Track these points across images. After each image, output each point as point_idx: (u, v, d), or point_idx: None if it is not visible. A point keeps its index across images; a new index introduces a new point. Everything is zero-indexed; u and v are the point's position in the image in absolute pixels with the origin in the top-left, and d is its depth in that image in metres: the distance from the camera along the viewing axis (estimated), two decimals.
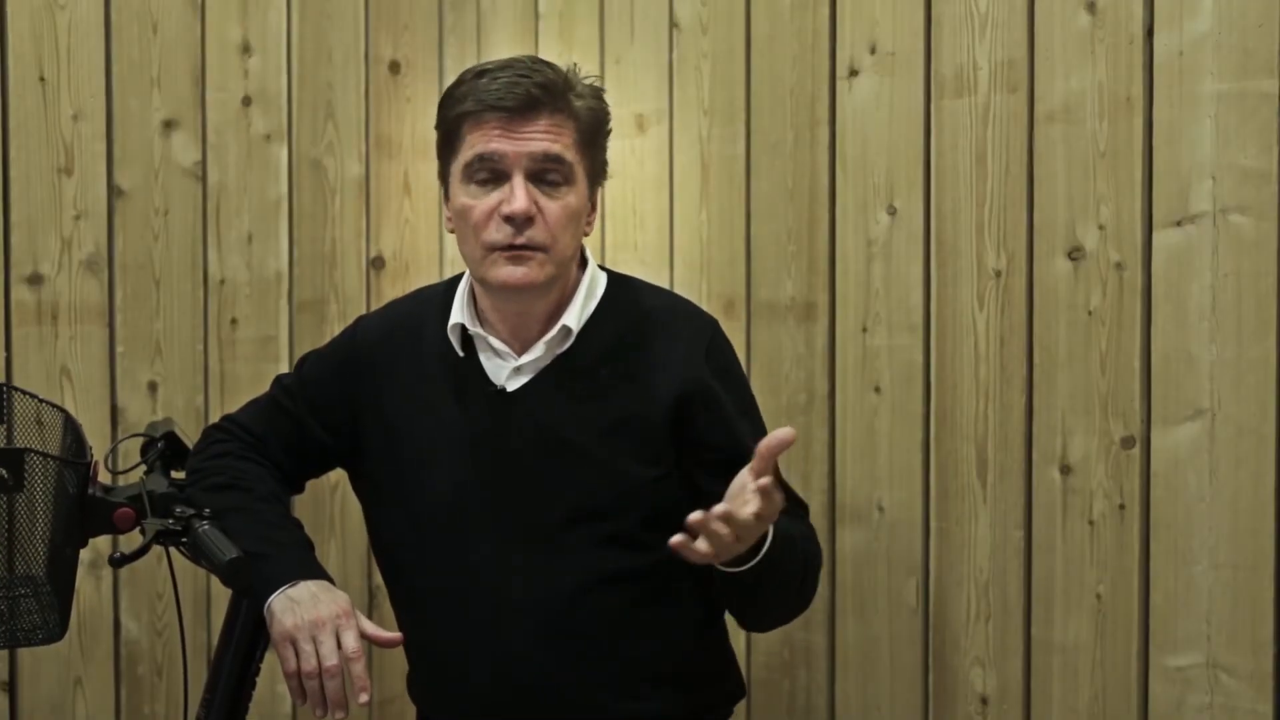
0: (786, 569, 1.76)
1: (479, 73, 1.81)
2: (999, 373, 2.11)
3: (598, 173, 1.87)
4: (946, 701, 2.19)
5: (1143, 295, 1.96)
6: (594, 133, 1.84)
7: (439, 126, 1.86)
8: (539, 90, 1.78)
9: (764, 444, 1.57)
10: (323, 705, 1.69)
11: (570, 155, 1.80)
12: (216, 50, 2.65)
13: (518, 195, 1.77)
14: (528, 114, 1.77)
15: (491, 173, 1.79)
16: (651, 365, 1.84)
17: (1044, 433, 2.06)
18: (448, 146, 1.85)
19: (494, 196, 1.79)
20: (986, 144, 2.11)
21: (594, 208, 1.88)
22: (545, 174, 1.79)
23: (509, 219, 1.77)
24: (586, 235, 1.87)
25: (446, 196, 1.87)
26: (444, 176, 1.87)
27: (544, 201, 1.78)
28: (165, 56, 2.61)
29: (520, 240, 1.77)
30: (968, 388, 2.14)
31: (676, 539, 1.59)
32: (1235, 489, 1.88)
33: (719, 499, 1.74)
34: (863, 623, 2.29)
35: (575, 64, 1.89)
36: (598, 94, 1.86)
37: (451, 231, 1.87)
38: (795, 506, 1.86)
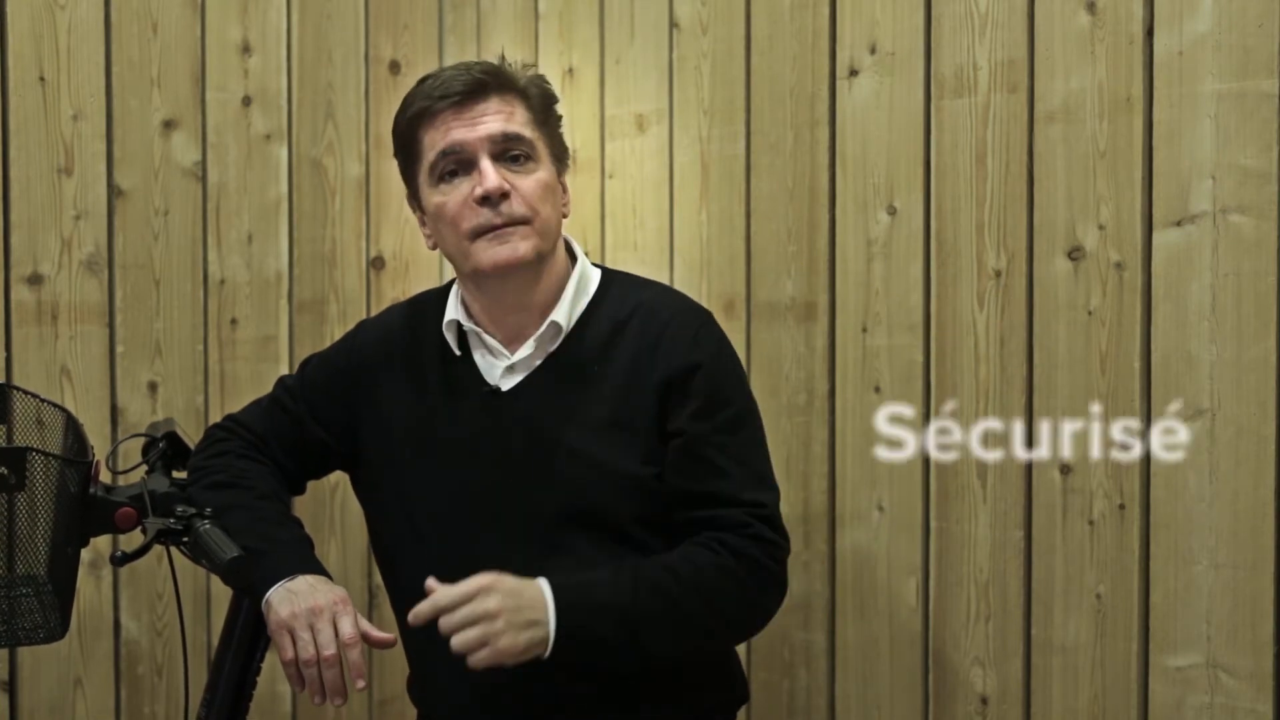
0: (600, 638, 1.72)
1: (422, 80, 1.86)
2: (999, 373, 2.11)
3: (560, 154, 1.89)
4: (946, 701, 2.19)
5: (1143, 295, 1.96)
6: (546, 110, 1.87)
7: (397, 143, 1.89)
8: (483, 75, 1.82)
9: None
10: (321, 693, 1.68)
11: (528, 132, 1.83)
12: (216, 50, 2.66)
13: (488, 175, 1.78)
14: (477, 97, 1.81)
15: (457, 164, 1.81)
16: (641, 361, 1.83)
17: (1044, 433, 2.06)
18: (409, 157, 1.87)
19: (464, 186, 1.80)
20: (986, 144, 2.11)
21: (566, 190, 1.90)
22: (509, 152, 1.81)
23: (485, 200, 1.78)
24: (565, 217, 1.88)
25: (422, 211, 1.88)
26: (414, 195, 1.89)
27: (515, 179, 1.81)
28: (165, 56, 2.61)
29: (500, 220, 1.79)
30: (968, 388, 2.14)
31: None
32: (1235, 489, 1.88)
33: (678, 497, 1.76)
34: (863, 623, 2.29)
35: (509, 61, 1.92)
36: (542, 79, 1.89)
37: (434, 248, 1.88)
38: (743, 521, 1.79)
